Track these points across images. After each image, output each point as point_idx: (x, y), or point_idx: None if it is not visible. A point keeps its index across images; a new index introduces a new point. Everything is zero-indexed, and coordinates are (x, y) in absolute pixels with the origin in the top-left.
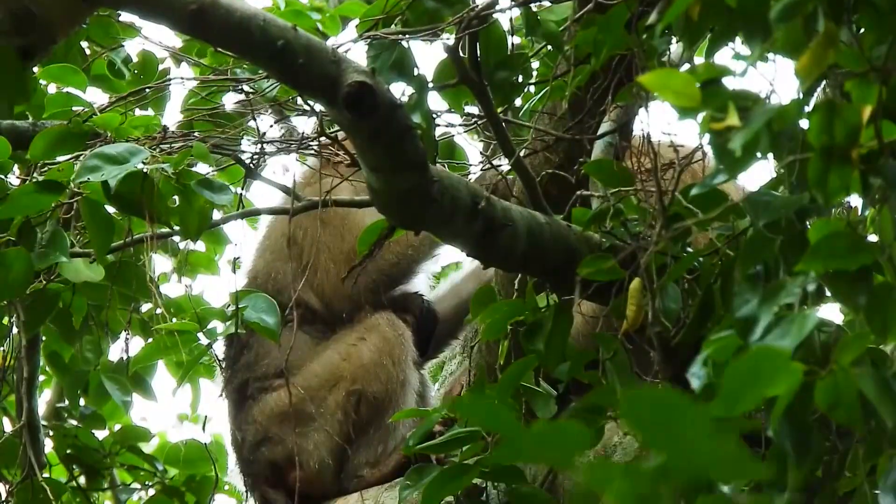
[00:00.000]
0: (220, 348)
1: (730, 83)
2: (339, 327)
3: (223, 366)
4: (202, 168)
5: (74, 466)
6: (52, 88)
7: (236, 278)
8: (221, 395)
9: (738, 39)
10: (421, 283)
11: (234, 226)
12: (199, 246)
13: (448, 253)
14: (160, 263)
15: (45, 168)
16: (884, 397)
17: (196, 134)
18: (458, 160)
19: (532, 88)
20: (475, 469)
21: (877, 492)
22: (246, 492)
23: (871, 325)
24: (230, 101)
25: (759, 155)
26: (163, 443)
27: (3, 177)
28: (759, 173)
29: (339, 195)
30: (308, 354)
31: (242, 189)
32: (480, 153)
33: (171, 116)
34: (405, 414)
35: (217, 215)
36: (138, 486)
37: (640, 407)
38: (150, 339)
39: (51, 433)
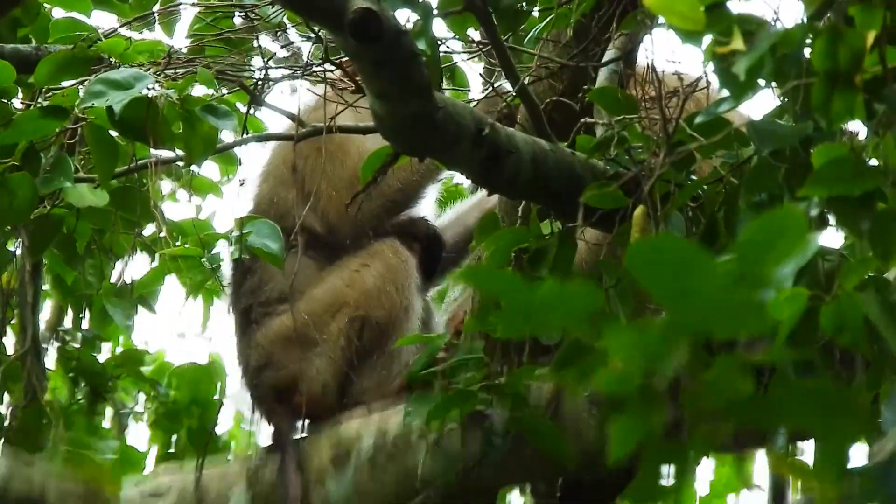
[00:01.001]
0: (226, 271)
1: (734, 7)
2: (342, 253)
3: (229, 291)
4: (207, 93)
5: (77, 386)
6: (57, 13)
7: (241, 202)
8: (227, 316)
9: None
10: (427, 208)
11: (243, 148)
12: (209, 168)
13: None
14: (166, 186)
15: (50, 93)
16: (888, 321)
17: (202, 59)
18: (460, 87)
19: (537, 15)
20: (478, 395)
21: (879, 420)
22: (252, 414)
23: (874, 250)
24: (237, 26)
25: (762, 82)
26: (161, 363)
27: (7, 101)
28: (762, 104)
29: (344, 122)
30: (311, 280)
31: (247, 114)
32: (481, 75)
33: (178, 41)
34: (409, 340)
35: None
36: (140, 408)
37: (647, 256)
38: (154, 264)
39: (54, 355)
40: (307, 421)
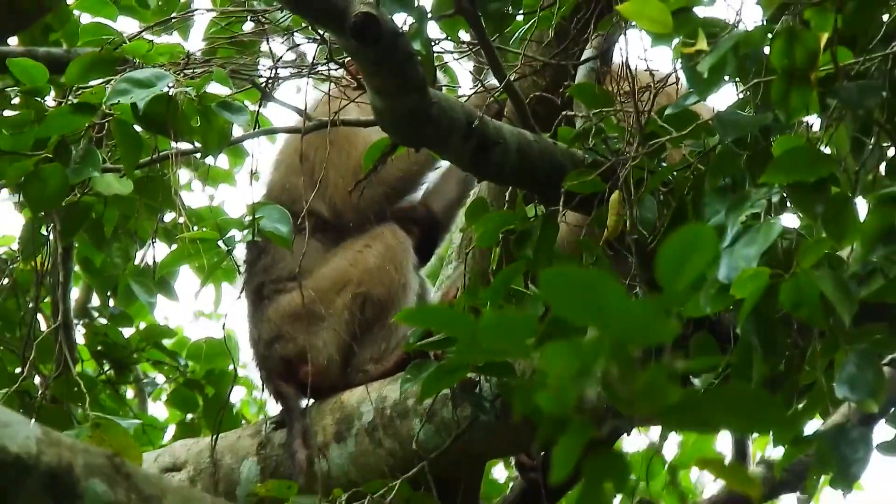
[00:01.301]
0: (241, 252)
1: (700, 12)
2: (347, 236)
3: (243, 269)
4: (222, 90)
5: (104, 361)
6: (85, 18)
7: (254, 189)
8: (240, 295)
9: None
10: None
11: (253, 142)
12: (222, 161)
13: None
14: (184, 176)
15: (79, 91)
16: (842, 297)
17: (217, 60)
18: (453, 84)
19: (521, 18)
20: (469, 364)
21: (833, 384)
22: (262, 385)
23: (827, 231)
24: (248, 29)
25: (726, 78)
26: (180, 338)
27: (40, 99)
28: (727, 96)
29: (348, 116)
30: (319, 260)
31: (259, 109)
32: (470, 72)
33: (195, 44)
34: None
35: (238, 132)
36: (162, 379)
37: (558, 285)
38: (175, 246)
39: (83, 331)
40: (313, 393)
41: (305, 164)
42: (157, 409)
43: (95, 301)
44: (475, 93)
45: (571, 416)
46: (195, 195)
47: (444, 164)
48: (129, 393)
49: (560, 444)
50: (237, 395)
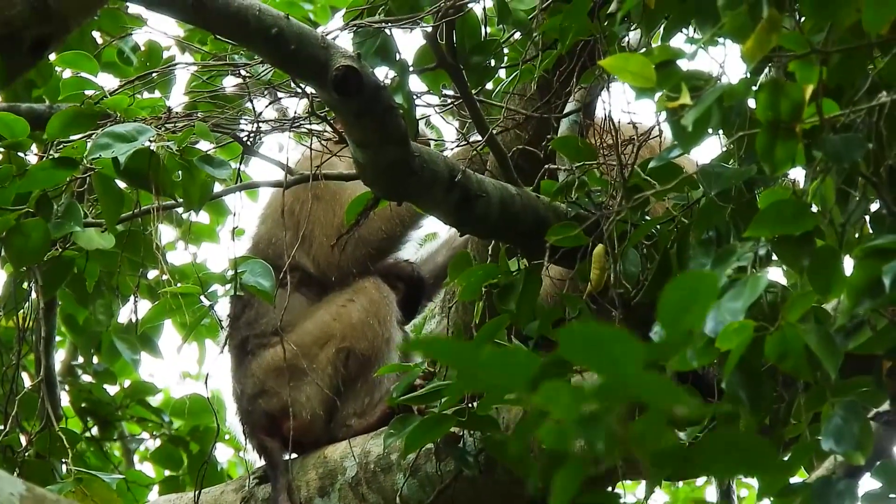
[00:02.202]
0: (225, 307)
1: (683, 65)
2: (330, 290)
3: (226, 323)
4: (203, 145)
5: (88, 418)
6: (66, 74)
7: (236, 245)
8: (222, 350)
9: (692, 26)
10: (410, 251)
11: (234, 198)
12: (204, 217)
13: (430, 224)
14: (166, 233)
15: (61, 146)
16: (827, 350)
17: (198, 114)
18: (439, 139)
19: (504, 72)
20: (453, 418)
21: (818, 437)
22: (245, 440)
23: (814, 284)
24: (229, 84)
25: (710, 131)
26: (167, 398)
27: (22, 154)
28: (711, 148)
29: (335, 171)
30: (303, 314)
31: (240, 164)
32: (457, 130)
33: (177, 98)
34: (389, 368)
35: (218, 188)
36: (147, 436)
37: (576, 341)
38: (157, 302)
39: (67, 388)
40: (297, 447)
41: (291, 219)
42: (145, 469)
43: (80, 359)
44: (458, 146)
45: (570, 452)
46: (179, 253)
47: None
48: (117, 453)
49: (558, 478)
50: (224, 455)
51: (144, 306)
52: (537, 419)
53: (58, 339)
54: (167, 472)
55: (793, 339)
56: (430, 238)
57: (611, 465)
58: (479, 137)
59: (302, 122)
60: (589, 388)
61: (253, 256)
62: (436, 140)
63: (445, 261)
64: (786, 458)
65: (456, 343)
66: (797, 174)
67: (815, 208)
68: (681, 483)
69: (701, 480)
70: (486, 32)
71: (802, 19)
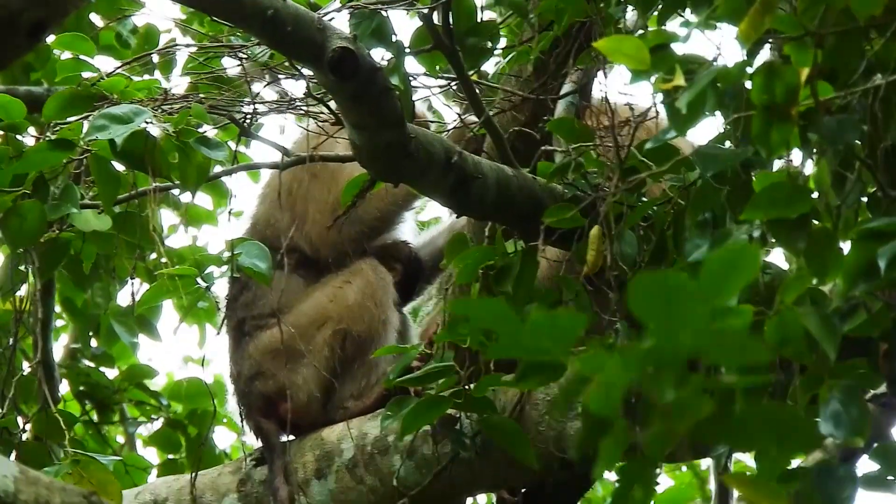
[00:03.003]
0: (223, 288)
1: (679, 48)
2: (327, 272)
3: (224, 305)
4: (201, 127)
5: (87, 402)
6: (64, 57)
7: (234, 227)
8: (219, 332)
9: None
10: (408, 231)
11: (233, 180)
12: (206, 201)
13: (433, 207)
14: (166, 217)
15: (57, 128)
16: (826, 333)
17: (196, 96)
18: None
19: (500, 52)
20: (449, 400)
21: (817, 419)
22: (241, 422)
23: (810, 267)
24: (227, 66)
25: (706, 113)
26: (170, 381)
27: (18, 136)
28: (708, 130)
29: (334, 152)
30: (300, 296)
31: (237, 146)
32: (457, 115)
33: (175, 81)
34: (386, 350)
35: (217, 170)
36: (145, 419)
37: (648, 290)
38: (154, 283)
39: (65, 372)
40: (294, 429)
41: (289, 199)
42: (149, 454)
43: (78, 343)
44: (455, 128)
45: (616, 419)
46: (178, 236)
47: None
48: (120, 439)
49: (603, 445)
50: (226, 440)
51: (142, 289)
52: (580, 384)
53: (59, 323)
54: (167, 456)
55: (792, 323)
56: (432, 222)
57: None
58: (476, 119)
59: (299, 104)
60: (641, 351)
61: (250, 238)
62: (435, 122)
63: (442, 240)
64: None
65: (500, 305)
66: (795, 157)
67: (813, 192)
68: (684, 468)
69: (705, 464)
70: (482, 13)
71: (797, 1)
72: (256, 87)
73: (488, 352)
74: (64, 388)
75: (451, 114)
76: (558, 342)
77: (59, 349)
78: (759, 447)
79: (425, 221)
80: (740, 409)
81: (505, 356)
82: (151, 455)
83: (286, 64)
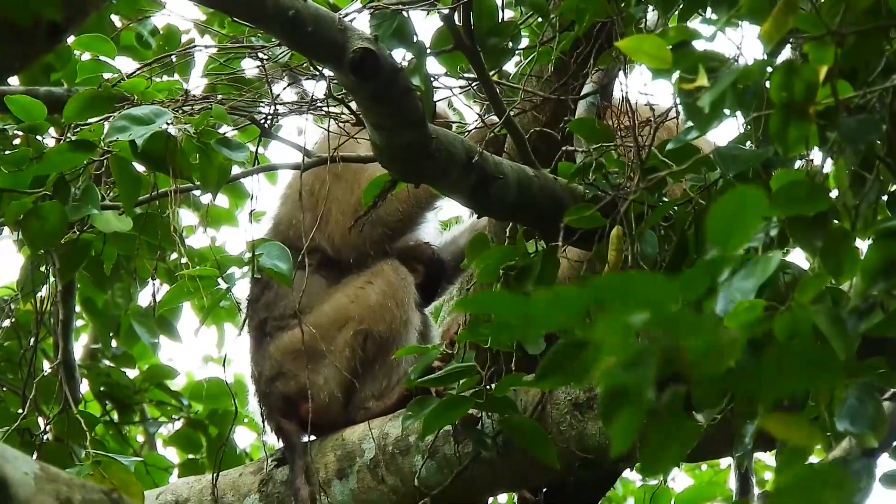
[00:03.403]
0: (244, 288)
1: (700, 46)
2: (349, 272)
3: (245, 305)
4: (222, 128)
5: (107, 402)
6: (84, 58)
7: (255, 227)
8: (241, 332)
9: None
10: (430, 232)
11: (253, 180)
12: (223, 200)
13: (453, 207)
14: (185, 217)
15: (78, 129)
16: (837, 331)
17: (216, 97)
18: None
19: (521, 54)
20: (470, 400)
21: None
22: (262, 422)
23: (826, 266)
24: (247, 66)
25: (726, 112)
26: (190, 381)
27: (39, 137)
28: (729, 129)
29: (355, 152)
30: (322, 297)
31: (258, 147)
32: (477, 114)
33: (195, 81)
34: (407, 351)
35: (236, 171)
36: (165, 419)
37: (613, 291)
38: (175, 284)
39: (86, 372)
40: (315, 429)
41: (311, 199)
42: (166, 453)
43: (100, 344)
44: (476, 128)
45: (629, 387)
46: (198, 237)
47: (463, 222)
48: (140, 438)
49: (620, 416)
50: (246, 439)
51: (163, 289)
52: (594, 359)
53: (79, 323)
54: (187, 456)
55: (802, 319)
56: (453, 222)
57: (673, 393)
58: (497, 119)
59: (319, 105)
60: (640, 318)
61: (271, 239)
62: (457, 122)
63: (464, 241)
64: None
65: (502, 294)
66: (815, 155)
67: (832, 191)
68: (704, 466)
69: (724, 464)
70: (503, 14)
71: (819, 0)
72: (276, 87)
73: (488, 340)
74: (84, 388)
75: (472, 114)
76: (566, 315)
77: (78, 349)
78: (796, 387)
79: (446, 221)
80: (772, 350)
81: (519, 336)
82: (171, 455)
83: (306, 65)
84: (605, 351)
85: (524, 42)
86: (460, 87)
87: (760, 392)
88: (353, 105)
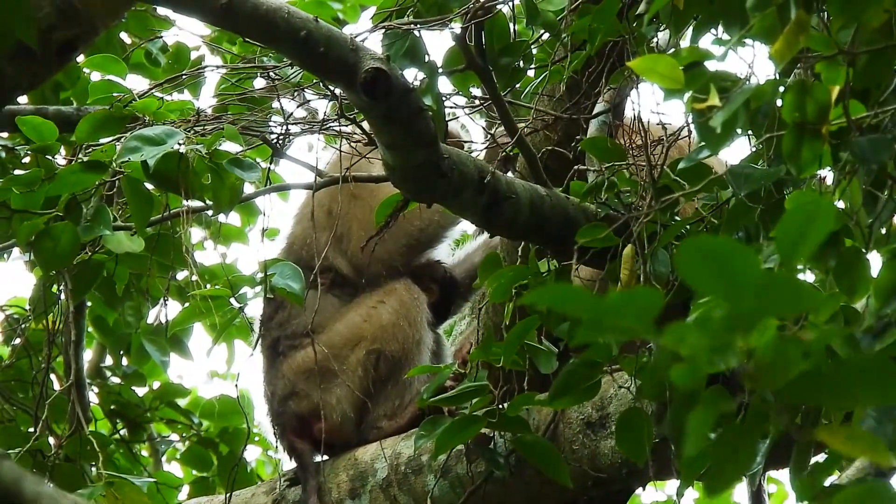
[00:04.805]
0: (257, 307)
1: (711, 66)
2: (362, 291)
3: (258, 324)
4: (233, 147)
5: (118, 420)
6: (95, 77)
7: (268, 246)
8: (253, 351)
9: (720, 27)
10: (443, 252)
11: (264, 199)
12: (234, 219)
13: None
14: (196, 234)
15: (90, 149)
16: (850, 351)
17: (227, 116)
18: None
19: (532, 72)
20: (483, 419)
21: None
22: (276, 441)
23: (839, 285)
24: (258, 86)
25: (738, 132)
26: (195, 397)
27: (50, 157)
28: (741, 148)
29: (370, 172)
30: (334, 316)
31: (270, 166)
32: (483, 128)
33: (206, 100)
34: (419, 370)
35: (248, 190)
36: (176, 437)
37: (694, 255)
38: (187, 304)
39: (96, 390)
40: (327, 449)
41: (328, 219)
42: (173, 469)
43: (109, 361)
44: (487, 148)
45: (703, 390)
46: (208, 254)
47: (475, 239)
48: (145, 453)
49: (693, 418)
50: (253, 455)
51: (174, 308)
52: (668, 362)
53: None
54: (195, 473)
55: (816, 339)
56: (465, 239)
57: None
58: (508, 138)
59: (331, 124)
60: (716, 316)
61: (283, 259)
62: (470, 142)
63: (476, 260)
64: (819, 461)
65: (577, 290)
66: (827, 174)
67: (842, 207)
68: None
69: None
70: (514, 33)
71: (829, 18)
72: (288, 106)
73: (576, 337)
74: (93, 404)
75: (479, 132)
76: (639, 319)
77: (84, 365)
78: (858, 403)
79: (457, 239)
80: (830, 364)
81: (590, 339)
82: (175, 469)
83: (318, 84)
84: (685, 350)
85: (535, 61)
86: (472, 107)
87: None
88: (365, 125)
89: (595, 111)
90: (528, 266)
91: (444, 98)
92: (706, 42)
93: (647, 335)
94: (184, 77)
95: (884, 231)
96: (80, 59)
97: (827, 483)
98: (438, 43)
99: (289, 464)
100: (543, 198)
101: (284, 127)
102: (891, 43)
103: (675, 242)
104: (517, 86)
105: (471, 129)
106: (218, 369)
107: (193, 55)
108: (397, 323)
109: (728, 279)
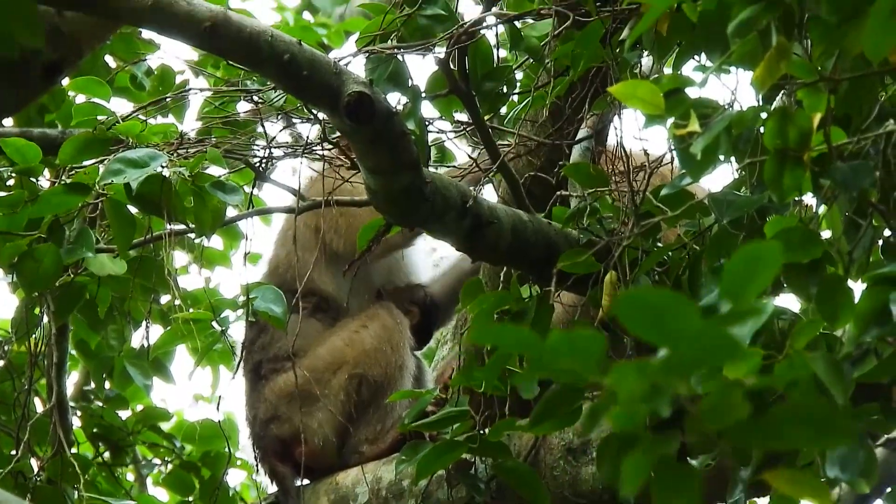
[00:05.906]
0: (240, 331)
1: (693, 92)
2: (344, 315)
3: (241, 347)
4: (216, 171)
5: (100, 444)
6: (79, 99)
7: (250, 270)
8: (235, 376)
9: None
10: (425, 275)
11: (247, 222)
12: (217, 242)
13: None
14: (179, 258)
15: (73, 171)
16: (834, 377)
17: (211, 140)
18: (448, 163)
19: (516, 98)
20: (464, 445)
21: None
22: (256, 464)
23: (821, 312)
24: (242, 109)
25: (721, 158)
26: (180, 421)
27: (34, 179)
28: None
29: (352, 195)
30: (317, 340)
31: (252, 190)
32: (468, 156)
33: (190, 123)
34: (401, 395)
35: (231, 213)
36: (158, 461)
37: (634, 307)
38: (169, 327)
39: (78, 413)
40: (309, 473)
41: (315, 237)
42: (158, 493)
43: (92, 384)
44: (469, 172)
45: (641, 433)
46: (191, 277)
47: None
48: (130, 476)
49: (629, 460)
50: (236, 479)
51: (157, 331)
52: (607, 403)
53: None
54: (181, 498)
55: (801, 366)
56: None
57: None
58: (491, 163)
59: (314, 148)
60: (654, 362)
61: (266, 282)
62: (451, 166)
63: (455, 282)
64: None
65: (522, 330)
66: (810, 201)
67: (826, 235)
68: None
69: None
70: (498, 58)
71: (811, 45)
72: (271, 130)
73: (515, 378)
74: (76, 426)
75: (462, 156)
76: (581, 361)
77: (69, 387)
78: (796, 445)
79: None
80: (776, 408)
81: (534, 377)
82: (161, 494)
83: (301, 108)
84: (622, 395)
85: (519, 86)
86: (455, 132)
87: (755, 445)
88: (348, 148)
89: (578, 137)
90: (509, 291)
91: (427, 123)
92: (689, 68)
93: (589, 377)
94: (168, 100)
95: (865, 258)
96: (66, 81)
97: None
98: (422, 68)
99: (271, 488)
100: (526, 223)
101: (267, 151)
102: (872, 70)
103: (658, 269)
104: (500, 111)
105: (455, 153)
106: (203, 393)
107: (178, 78)
108: (380, 348)
109: (665, 329)
